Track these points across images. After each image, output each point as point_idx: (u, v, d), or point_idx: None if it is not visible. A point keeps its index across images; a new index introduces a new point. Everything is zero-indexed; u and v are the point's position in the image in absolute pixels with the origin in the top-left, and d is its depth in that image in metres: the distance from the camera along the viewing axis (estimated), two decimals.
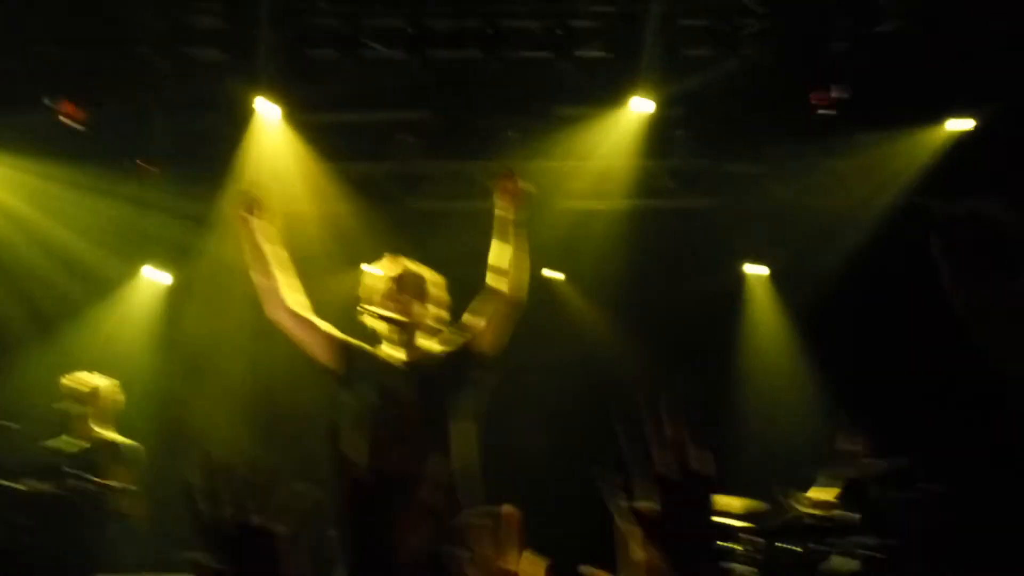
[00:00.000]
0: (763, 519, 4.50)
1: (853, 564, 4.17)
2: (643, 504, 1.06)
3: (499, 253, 3.32)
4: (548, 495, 5.63)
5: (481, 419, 3.28)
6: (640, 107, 5.97)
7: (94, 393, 4.51)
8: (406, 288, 3.30)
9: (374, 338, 3.38)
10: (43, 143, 5.48)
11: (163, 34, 5.48)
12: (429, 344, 3.35)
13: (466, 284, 5.91)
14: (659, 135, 6.22)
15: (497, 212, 3.34)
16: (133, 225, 5.86)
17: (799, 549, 4.30)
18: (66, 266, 5.68)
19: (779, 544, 4.52)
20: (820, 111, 6.03)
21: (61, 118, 5.58)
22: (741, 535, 4.44)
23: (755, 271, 6.95)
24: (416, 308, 3.31)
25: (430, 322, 3.36)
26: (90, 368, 4.78)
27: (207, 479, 1.05)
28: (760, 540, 4.30)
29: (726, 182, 6.51)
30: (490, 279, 3.31)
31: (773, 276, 6.83)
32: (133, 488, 4.26)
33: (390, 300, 3.27)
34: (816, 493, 4.77)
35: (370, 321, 3.31)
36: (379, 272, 3.36)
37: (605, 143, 6.21)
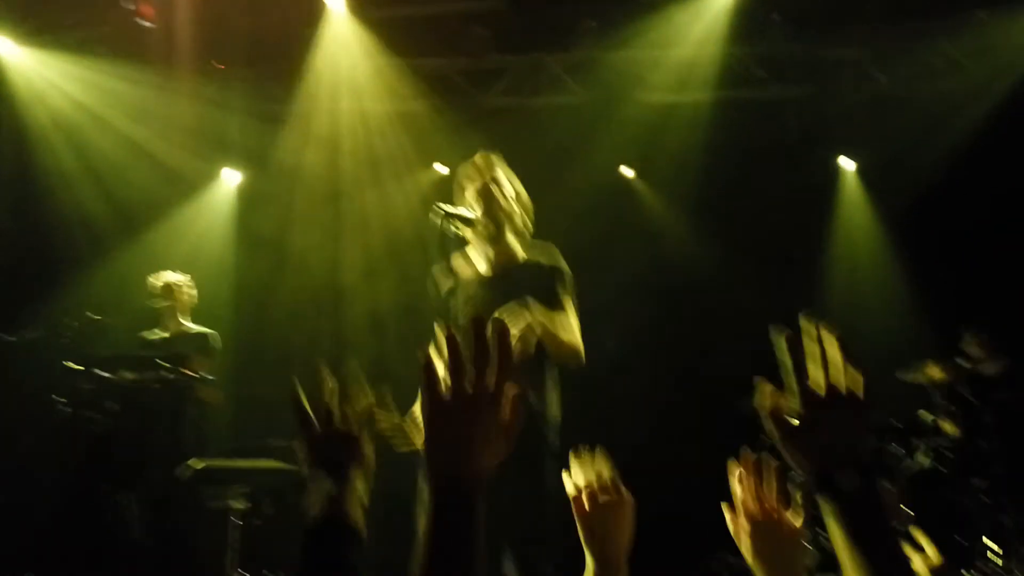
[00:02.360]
0: None
1: (928, 459, 4.04)
2: (789, 414, 1.10)
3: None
4: (616, 392, 5.60)
5: None
6: None
7: (170, 288, 4.74)
8: (496, 190, 3.03)
9: (454, 243, 3.20)
10: (119, 45, 5.53)
11: None
12: (515, 250, 3.08)
13: (543, 183, 5.79)
14: (751, 19, 5.77)
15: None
16: (209, 125, 5.90)
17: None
18: (149, 166, 5.81)
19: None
20: None
21: (137, 19, 5.64)
22: None
23: (849, 166, 6.50)
24: (503, 211, 3.03)
25: (518, 226, 3.07)
26: (176, 266, 4.97)
27: (311, 389, 1.21)
28: None
29: (822, 70, 6.03)
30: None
31: (870, 171, 6.37)
32: (211, 377, 4.45)
33: (478, 200, 3.02)
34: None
35: (454, 225, 3.02)
36: (470, 171, 3.10)
37: (691, 30, 5.81)
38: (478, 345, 1.06)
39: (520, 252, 3.08)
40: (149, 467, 4.18)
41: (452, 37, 6.03)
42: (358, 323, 5.96)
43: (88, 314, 4.37)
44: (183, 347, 4.54)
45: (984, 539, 3.23)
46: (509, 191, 3.07)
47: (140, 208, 5.78)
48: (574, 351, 2.92)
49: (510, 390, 1.07)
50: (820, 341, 1.10)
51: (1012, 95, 5.72)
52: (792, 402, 1.10)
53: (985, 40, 5.70)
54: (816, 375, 1.10)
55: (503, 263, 3.04)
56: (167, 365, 4.16)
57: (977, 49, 5.78)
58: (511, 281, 2.99)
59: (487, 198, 3.01)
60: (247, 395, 5.16)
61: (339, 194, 6.25)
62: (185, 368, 4.23)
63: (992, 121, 5.68)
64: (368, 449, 1.23)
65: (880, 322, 5.72)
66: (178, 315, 4.78)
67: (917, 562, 1.65)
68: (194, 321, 4.88)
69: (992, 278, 5.38)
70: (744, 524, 1.33)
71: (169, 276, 4.84)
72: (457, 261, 3.10)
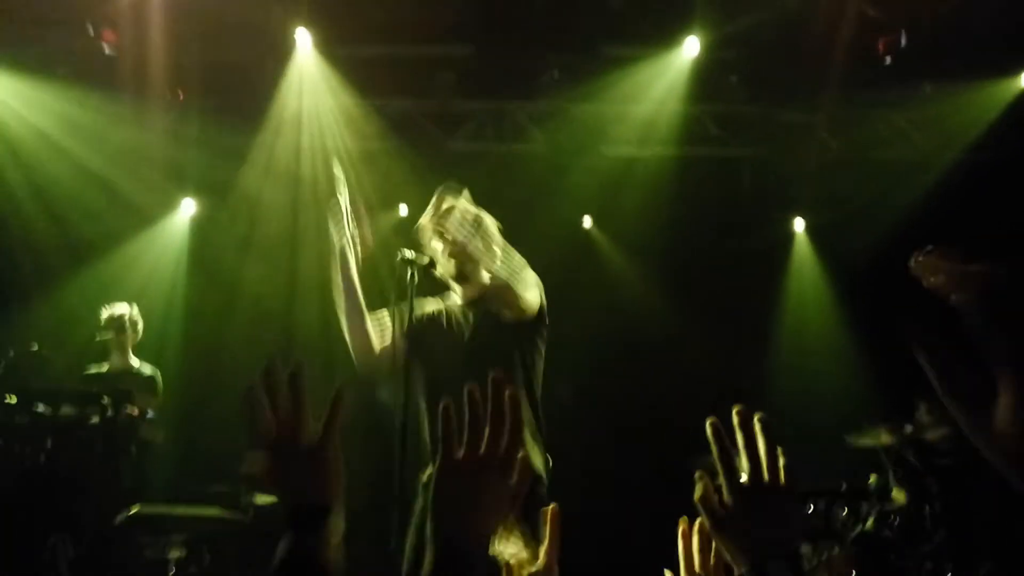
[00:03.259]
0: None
1: (874, 523, 4.11)
2: (718, 504, 1.13)
3: None
4: (575, 450, 5.59)
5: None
6: (691, 49, 5.71)
7: (118, 320, 4.61)
8: (454, 221, 2.97)
9: (443, 288, 3.18)
10: (81, 70, 5.44)
11: None
12: (481, 277, 3.09)
13: (505, 230, 5.81)
14: (710, 79, 5.94)
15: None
16: (169, 155, 5.82)
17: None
18: (104, 194, 5.68)
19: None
20: (886, 57, 5.73)
21: (103, 44, 5.56)
22: None
23: (800, 227, 6.70)
24: (469, 242, 2.95)
25: (490, 258, 2.99)
26: (126, 298, 4.84)
27: (261, 388, 1.16)
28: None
29: (778, 131, 6.22)
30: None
31: (821, 233, 6.56)
32: (153, 415, 4.31)
33: (440, 236, 3.03)
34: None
35: (438, 270, 3.09)
36: (428, 214, 3.08)
37: (653, 86, 5.96)
38: (494, 408, 1.07)
39: (485, 279, 3.09)
40: (84, 509, 4.01)
41: (418, 80, 6.07)
42: (312, 365, 5.85)
43: (27, 345, 4.22)
44: (128, 383, 4.41)
45: None
46: (464, 225, 2.99)
47: (92, 238, 5.64)
48: (525, 302, 2.92)
49: (519, 455, 1.08)
50: (749, 431, 1.13)
51: (956, 166, 5.97)
52: (723, 494, 1.12)
53: (931, 112, 5.96)
54: (743, 465, 1.12)
55: (474, 292, 3.11)
56: (108, 401, 4.01)
57: (923, 121, 6.03)
58: (482, 304, 3.08)
59: (442, 237, 3.04)
60: (192, 437, 5.01)
61: (298, 231, 6.19)
62: (128, 406, 4.09)
63: (938, 190, 5.91)
64: (341, 471, 1.17)
65: (829, 384, 5.85)
66: (125, 350, 4.65)
67: None
68: (142, 355, 4.75)
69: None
70: None
71: (118, 308, 4.71)
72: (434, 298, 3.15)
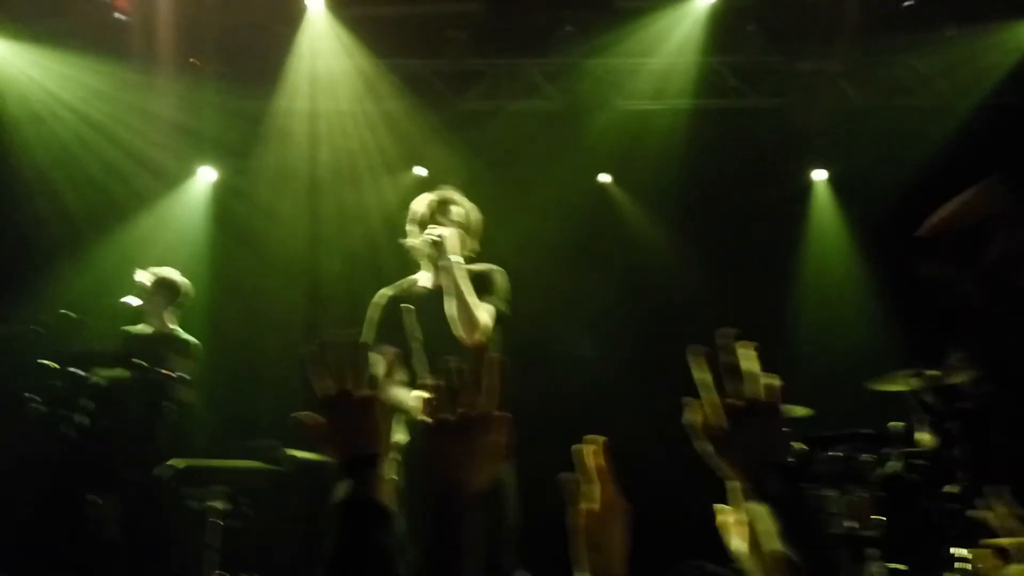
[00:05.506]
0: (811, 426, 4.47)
1: (899, 467, 4.16)
2: (714, 426, 1.19)
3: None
4: (595, 401, 5.66)
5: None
6: None
7: (160, 285, 4.62)
8: (446, 214, 3.31)
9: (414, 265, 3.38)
10: (94, 38, 5.46)
11: None
12: None
13: (521, 188, 5.83)
14: (727, 29, 5.87)
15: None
16: (186, 121, 5.85)
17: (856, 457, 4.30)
18: (125, 161, 5.74)
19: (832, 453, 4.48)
20: (905, 3, 5.65)
21: (116, 13, 5.58)
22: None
23: (822, 177, 6.65)
24: (453, 235, 3.25)
25: (464, 251, 3.29)
26: (152, 264, 4.89)
27: (317, 354, 1.27)
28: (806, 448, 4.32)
29: (796, 81, 6.14)
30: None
31: (842, 183, 6.51)
32: (189, 378, 4.38)
33: (430, 224, 3.28)
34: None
35: (411, 244, 3.35)
36: (424, 198, 3.39)
37: (669, 39, 5.90)
38: (479, 371, 1.20)
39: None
40: (127, 466, 4.13)
41: (430, 38, 6.03)
42: (336, 324, 5.93)
43: (63, 311, 4.30)
44: (165, 346, 4.46)
45: (952, 549, 3.36)
46: (454, 217, 3.30)
47: (114, 205, 5.71)
48: (477, 325, 3.09)
49: (502, 415, 1.21)
50: (735, 355, 1.18)
51: (978, 112, 5.89)
52: (717, 416, 1.18)
53: (952, 57, 5.86)
54: (733, 388, 1.18)
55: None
56: (144, 363, 4.09)
57: (945, 66, 5.94)
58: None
59: (429, 224, 3.27)
60: (223, 399, 5.12)
61: (317, 194, 6.23)
62: (163, 366, 4.17)
63: (960, 137, 5.84)
64: (389, 421, 1.29)
65: (851, 333, 5.86)
66: (164, 314, 4.64)
67: None
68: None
69: None
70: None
71: (161, 271, 4.67)
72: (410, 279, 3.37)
